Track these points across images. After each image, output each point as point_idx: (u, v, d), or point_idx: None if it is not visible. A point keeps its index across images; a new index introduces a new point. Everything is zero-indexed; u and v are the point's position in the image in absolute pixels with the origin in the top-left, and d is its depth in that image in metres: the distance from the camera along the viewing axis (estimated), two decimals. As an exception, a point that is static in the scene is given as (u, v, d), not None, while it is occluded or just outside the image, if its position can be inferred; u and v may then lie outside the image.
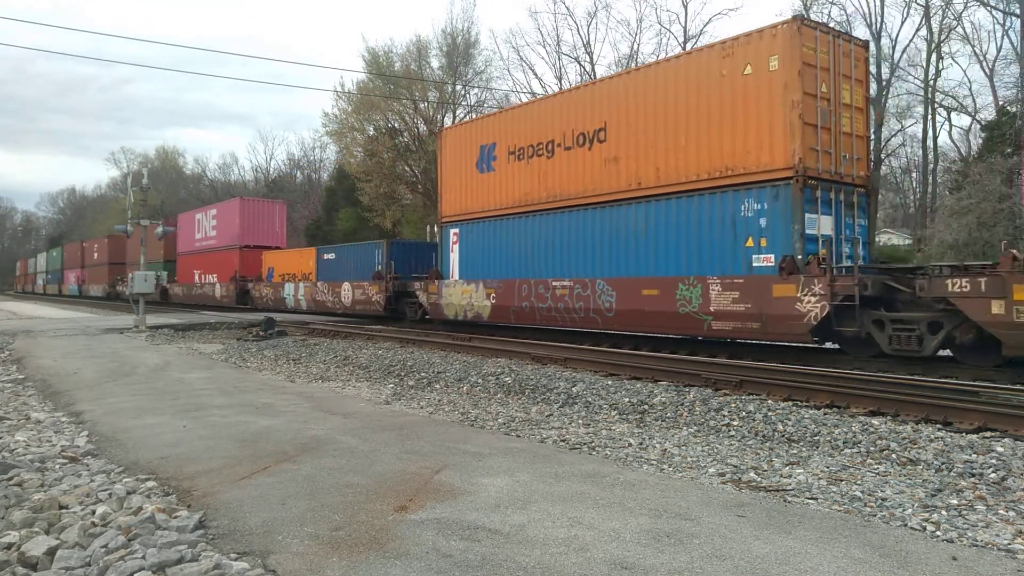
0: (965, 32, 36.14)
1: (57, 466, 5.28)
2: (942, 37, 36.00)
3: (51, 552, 3.51)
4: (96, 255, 50.52)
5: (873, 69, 37.17)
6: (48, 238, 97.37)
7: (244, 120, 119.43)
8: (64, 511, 4.20)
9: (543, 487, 4.61)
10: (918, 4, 35.26)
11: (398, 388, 10.03)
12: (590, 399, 8.61)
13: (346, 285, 24.02)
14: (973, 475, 5.27)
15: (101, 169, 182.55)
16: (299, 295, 26.69)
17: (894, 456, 5.86)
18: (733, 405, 7.81)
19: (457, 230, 18.81)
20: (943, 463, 5.56)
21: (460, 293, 18.20)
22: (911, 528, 4.13)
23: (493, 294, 17.11)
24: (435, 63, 43.41)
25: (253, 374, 11.17)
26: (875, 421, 6.91)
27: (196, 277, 35.73)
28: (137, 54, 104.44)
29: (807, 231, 11.25)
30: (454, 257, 18.81)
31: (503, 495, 4.42)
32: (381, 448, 5.67)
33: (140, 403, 7.95)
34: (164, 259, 38.42)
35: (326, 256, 26.20)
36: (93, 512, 4.13)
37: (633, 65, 36.81)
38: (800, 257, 11.11)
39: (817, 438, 6.51)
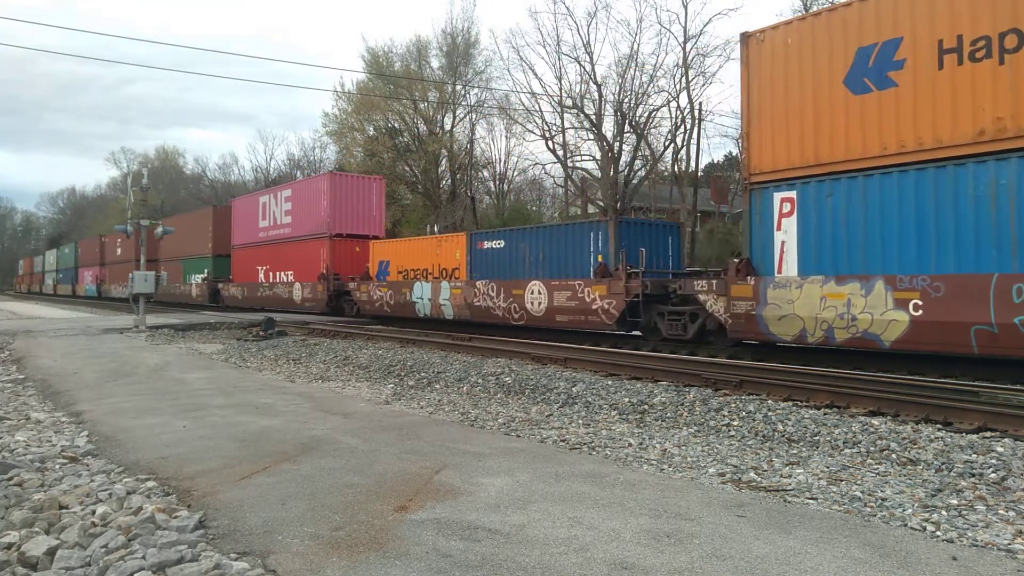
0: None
1: (57, 466, 5.28)
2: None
3: (51, 552, 3.51)
4: (120, 251, 44.62)
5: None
6: (48, 238, 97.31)
7: (247, 120, 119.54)
8: (64, 511, 4.20)
9: (543, 487, 4.61)
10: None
11: (398, 388, 10.03)
12: (590, 399, 8.61)
13: (536, 286, 16.60)
14: (973, 475, 5.27)
15: (102, 169, 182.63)
16: (442, 299, 19.55)
17: (894, 456, 5.86)
18: (733, 405, 7.82)
19: (792, 194, 11.34)
20: (943, 463, 5.56)
21: (815, 300, 10.76)
22: (911, 528, 4.13)
23: (919, 302, 9.61)
24: (435, 63, 43.43)
25: (253, 374, 11.17)
26: (875, 421, 6.91)
27: (261, 275, 28.59)
28: (140, 54, 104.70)
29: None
30: (785, 240, 11.35)
31: (503, 495, 4.42)
32: (381, 448, 5.67)
33: (140, 403, 7.95)
34: (214, 253, 32.19)
35: (486, 244, 18.54)
36: (93, 512, 4.13)
37: (632, 66, 36.82)
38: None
39: (817, 438, 6.51)
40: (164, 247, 36.30)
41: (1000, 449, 5.80)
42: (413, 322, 21.14)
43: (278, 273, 27.41)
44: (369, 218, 25.53)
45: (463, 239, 19.53)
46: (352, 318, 23.40)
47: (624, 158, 38.65)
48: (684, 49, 35.42)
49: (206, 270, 33.06)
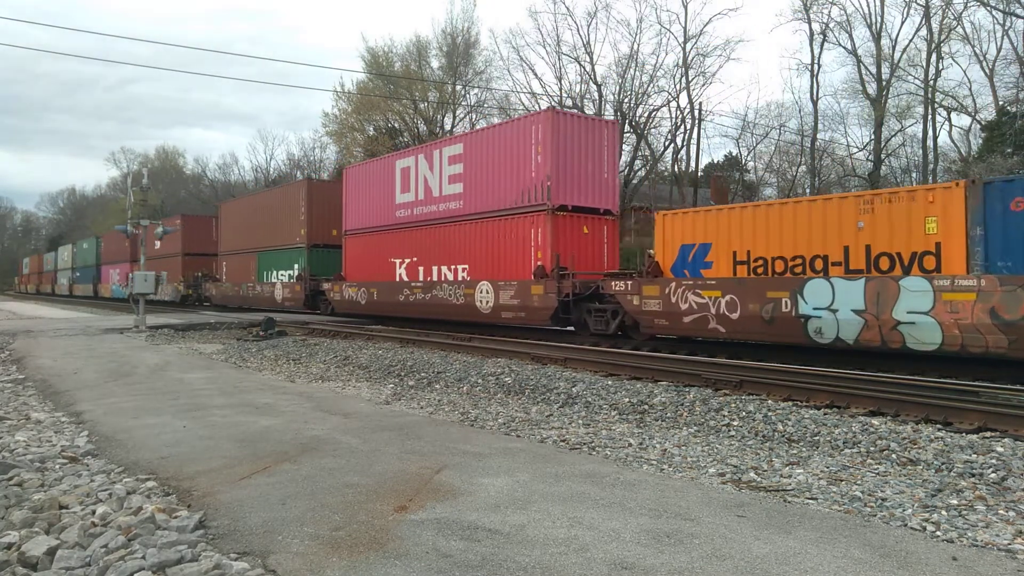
0: (965, 32, 36.14)
1: (57, 466, 5.28)
2: (942, 37, 36.01)
3: (51, 552, 3.51)
4: (158, 244, 37.82)
5: (873, 69, 37.21)
6: (48, 238, 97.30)
7: (249, 120, 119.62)
8: (64, 511, 4.19)
9: (543, 487, 4.61)
10: (918, 4, 35.26)
11: (398, 388, 10.03)
12: (590, 399, 8.61)
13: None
14: (973, 475, 5.27)
15: (102, 169, 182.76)
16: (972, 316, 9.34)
17: (894, 456, 5.86)
18: (733, 405, 7.82)
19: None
20: (943, 463, 5.56)
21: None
22: (911, 528, 4.13)
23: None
24: (435, 63, 43.47)
25: (253, 374, 11.17)
26: (875, 421, 6.91)
27: (401, 271, 20.47)
28: (142, 54, 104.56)
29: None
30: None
31: (503, 495, 4.42)
32: (381, 448, 5.67)
33: (140, 403, 7.95)
34: (309, 243, 24.68)
35: None
36: (93, 512, 4.13)
37: (632, 66, 36.76)
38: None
39: (817, 438, 6.51)
40: (225, 237, 31.41)
41: (1000, 449, 5.80)
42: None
43: (438, 268, 18.97)
44: (599, 183, 16.26)
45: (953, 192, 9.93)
46: (646, 351, 12.88)
47: (624, 158, 38.67)
48: (684, 49, 35.47)
49: (297, 265, 25.24)
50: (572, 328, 15.85)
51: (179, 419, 6.94)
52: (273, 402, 8.01)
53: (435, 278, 19.19)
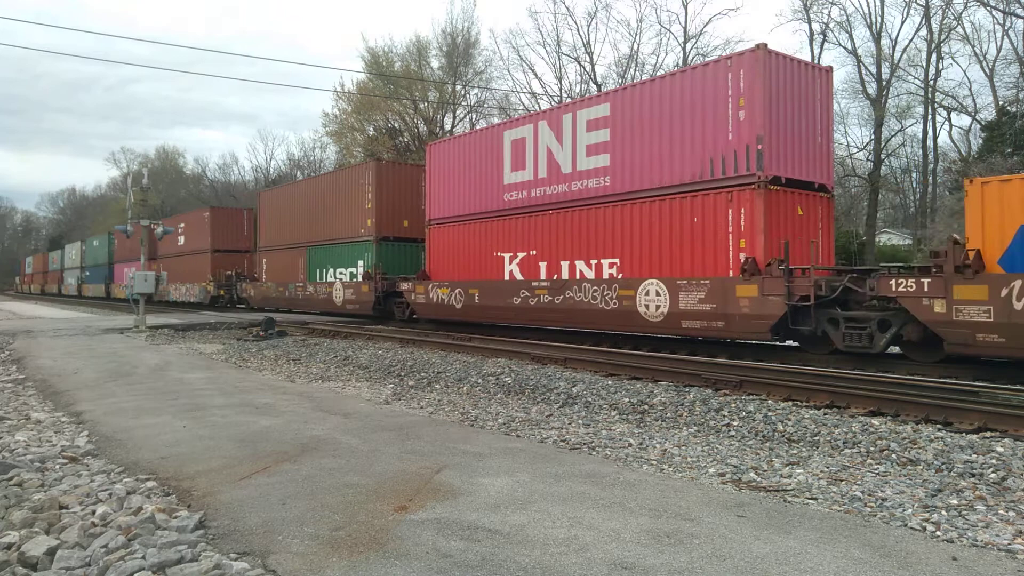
0: (965, 32, 36.13)
1: (57, 466, 5.28)
2: (942, 37, 36.00)
3: (51, 552, 3.51)
4: (183, 239, 34.97)
5: (873, 69, 37.21)
6: (48, 238, 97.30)
7: (249, 120, 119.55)
8: (64, 511, 4.20)
9: (543, 487, 4.61)
10: (918, 4, 35.22)
11: (398, 388, 10.03)
12: (590, 399, 8.61)
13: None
14: (973, 475, 5.27)
15: (102, 169, 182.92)
16: None
17: (894, 456, 5.86)
18: (733, 405, 7.81)
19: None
20: (943, 463, 5.55)
21: None
22: (911, 528, 4.13)
23: None
24: (435, 63, 43.47)
25: (253, 374, 11.17)
26: (875, 421, 6.91)
27: (512, 267, 16.41)
28: (143, 54, 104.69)
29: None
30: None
31: (503, 495, 4.42)
32: (381, 448, 5.67)
33: (140, 403, 7.95)
34: (378, 235, 20.81)
35: None
36: (93, 512, 4.13)
37: (632, 66, 36.72)
38: None
39: (817, 438, 6.51)
40: (266, 230, 27.65)
41: (1000, 449, 5.80)
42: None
43: (570, 264, 14.94)
44: (813, 149, 12.69)
45: None
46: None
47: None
48: (684, 49, 35.46)
49: (362, 262, 21.34)
50: (797, 343, 11.97)
51: (179, 419, 6.94)
52: (273, 402, 8.01)
53: (566, 276, 14.89)
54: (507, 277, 16.48)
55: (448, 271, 18.46)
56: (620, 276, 13.74)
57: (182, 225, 35.47)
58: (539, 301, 15.26)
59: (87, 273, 49.58)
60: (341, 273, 22.59)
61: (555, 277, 15.18)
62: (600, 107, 14.52)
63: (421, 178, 20.98)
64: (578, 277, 14.67)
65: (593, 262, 14.47)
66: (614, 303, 13.57)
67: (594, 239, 14.44)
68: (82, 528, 3.82)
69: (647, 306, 12.90)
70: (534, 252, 15.88)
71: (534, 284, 15.48)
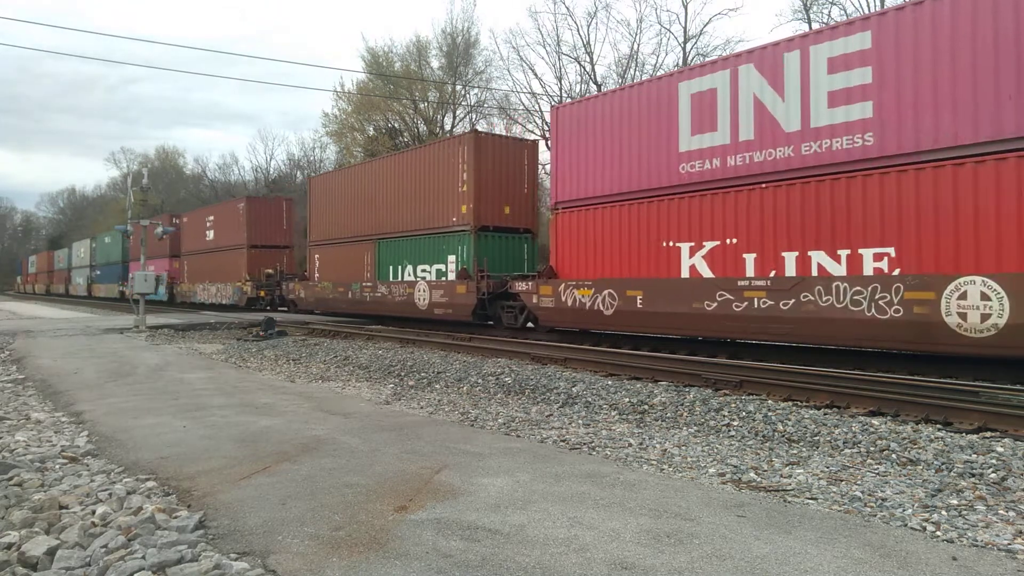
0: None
1: (57, 466, 5.28)
2: (942, 37, 35.91)
3: (51, 552, 3.51)
4: (213, 233, 31.69)
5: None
6: (48, 238, 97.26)
7: (251, 120, 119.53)
8: (64, 511, 4.20)
9: (543, 487, 4.61)
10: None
11: (398, 388, 10.03)
12: (590, 399, 8.61)
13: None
14: (973, 475, 5.27)
15: (102, 169, 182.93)
16: None
17: (894, 456, 5.86)
18: (733, 405, 7.82)
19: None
20: (943, 463, 5.56)
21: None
22: (911, 528, 4.13)
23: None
24: (435, 63, 43.48)
25: (253, 374, 11.17)
26: (875, 421, 6.91)
27: (692, 261, 12.79)
28: (144, 54, 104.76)
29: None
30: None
31: (503, 495, 4.42)
32: (381, 448, 5.67)
33: (140, 403, 7.95)
34: (476, 225, 17.53)
35: None
36: (93, 512, 4.13)
37: (632, 66, 36.72)
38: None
39: (817, 438, 6.51)
40: (320, 221, 24.21)
41: (1000, 449, 5.80)
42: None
43: (799, 257, 11.19)
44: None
45: None
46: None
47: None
48: (684, 49, 35.45)
49: (454, 257, 17.97)
50: None
51: (179, 419, 6.94)
52: (273, 402, 8.01)
53: (792, 272, 11.16)
54: (686, 274, 12.78)
55: (586, 267, 14.82)
56: (900, 273, 9.93)
57: (211, 218, 32.21)
58: (751, 307, 11.43)
59: (98, 272, 45.85)
60: (424, 271, 18.91)
61: (773, 274, 11.38)
62: (855, 38, 10.63)
63: (523, 155, 18.18)
64: (817, 274, 10.87)
65: (843, 253, 10.62)
66: (896, 311, 9.72)
67: (846, 221, 10.60)
68: (82, 528, 3.82)
69: (963, 315, 9.10)
70: (734, 241, 12.08)
71: (741, 284, 11.64)
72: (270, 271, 28.41)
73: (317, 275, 24.46)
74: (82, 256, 50.29)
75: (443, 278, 18.31)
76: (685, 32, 35.33)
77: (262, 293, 28.00)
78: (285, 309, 27.16)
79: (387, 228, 20.82)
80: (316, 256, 24.66)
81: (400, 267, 20.19)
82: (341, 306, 22.65)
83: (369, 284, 21.17)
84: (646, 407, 8.06)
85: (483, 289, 16.69)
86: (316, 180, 26.04)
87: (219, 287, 30.97)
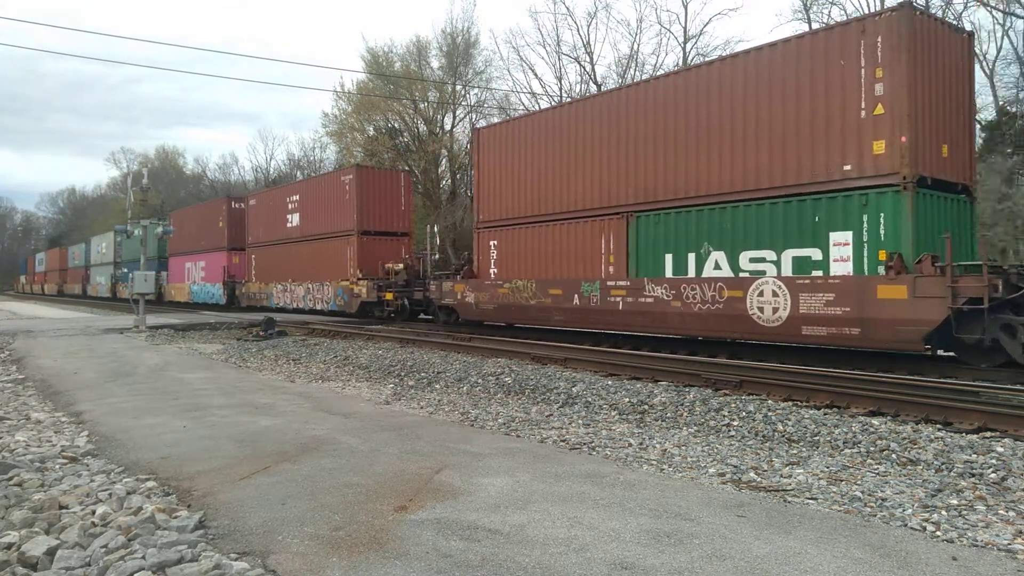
0: (967, 31, 36.05)
1: (57, 466, 5.28)
2: (944, 36, 35.88)
3: (51, 552, 3.51)
4: (298, 218, 24.76)
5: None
6: (48, 238, 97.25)
7: (252, 120, 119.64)
8: (64, 511, 4.20)
9: (543, 487, 4.61)
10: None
11: (398, 388, 10.03)
12: (590, 399, 8.61)
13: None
14: (973, 475, 5.27)
15: (102, 169, 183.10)
16: None
17: (894, 456, 5.86)
18: (733, 405, 7.81)
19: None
20: (943, 463, 5.55)
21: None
22: (911, 528, 4.13)
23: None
24: (435, 63, 43.47)
25: (253, 374, 11.17)
26: (875, 421, 6.91)
27: None
28: (145, 54, 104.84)
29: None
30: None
31: (503, 495, 4.42)
32: (381, 448, 5.67)
33: (140, 403, 7.95)
34: (912, 175, 9.90)
35: None
36: (93, 512, 4.13)
37: (632, 66, 36.63)
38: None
39: (817, 438, 6.51)
40: (495, 193, 17.45)
41: (1000, 449, 5.80)
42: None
43: None
44: None
45: None
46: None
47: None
48: (684, 49, 35.45)
49: (851, 233, 10.62)
50: None
51: (179, 419, 6.94)
52: (273, 402, 8.01)
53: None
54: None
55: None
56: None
57: (294, 198, 25.14)
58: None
59: (125, 270, 37.31)
60: (763, 261, 11.75)
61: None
62: None
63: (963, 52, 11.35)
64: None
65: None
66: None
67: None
68: (82, 528, 3.82)
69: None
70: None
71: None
72: (398, 265, 20.95)
73: (495, 271, 16.94)
74: (104, 252, 42.49)
75: (819, 273, 10.96)
76: (685, 32, 35.33)
77: (388, 296, 20.64)
78: (430, 319, 20.04)
79: (662, 194, 13.48)
80: (492, 242, 17.25)
81: (695, 256, 12.90)
82: (554, 317, 15.53)
83: (622, 285, 13.93)
84: (646, 407, 8.05)
85: (958, 292, 9.30)
86: (488, 132, 17.98)
87: (312, 288, 23.81)
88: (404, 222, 23.32)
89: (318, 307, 23.76)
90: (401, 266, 21.24)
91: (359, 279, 21.61)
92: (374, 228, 22.47)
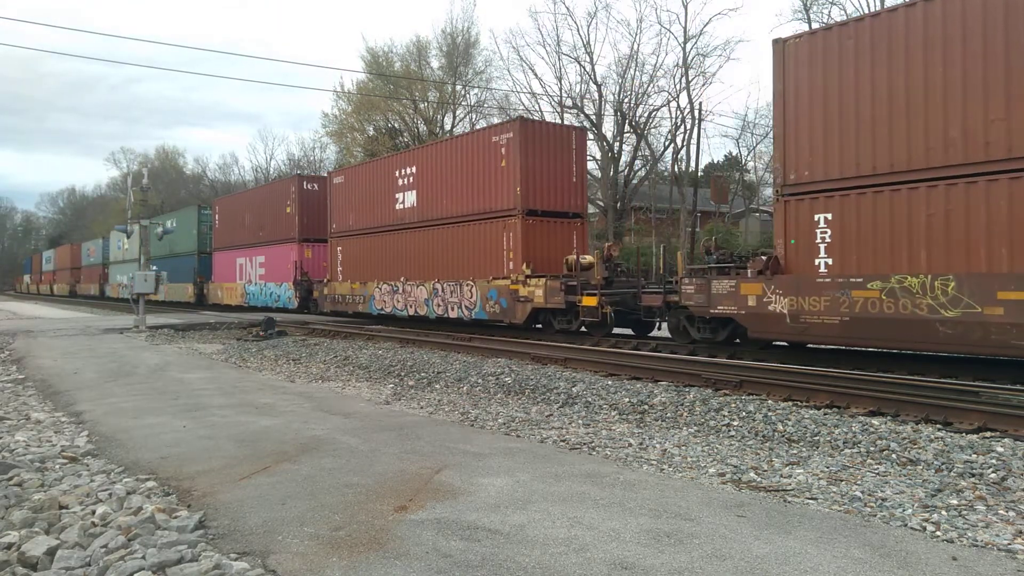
0: (967, 32, 35.98)
1: (57, 466, 5.28)
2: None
3: (51, 552, 3.51)
4: (415, 196, 18.83)
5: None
6: (48, 238, 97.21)
7: (253, 120, 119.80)
8: (64, 511, 4.20)
9: (543, 487, 4.61)
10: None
11: (398, 388, 10.03)
12: (590, 399, 8.61)
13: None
14: (973, 475, 5.27)
15: (102, 169, 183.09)
16: None
17: (894, 456, 5.86)
18: (733, 405, 7.81)
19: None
20: (943, 463, 5.55)
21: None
22: (911, 528, 4.13)
23: None
24: (435, 63, 43.49)
25: (253, 374, 11.17)
26: (875, 421, 6.91)
27: None
28: (148, 54, 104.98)
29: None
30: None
31: (503, 495, 4.42)
32: (381, 448, 5.67)
33: (140, 403, 7.95)
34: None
35: None
36: (93, 512, 4.13)
37: (632, 66, 36.63)
38: None
39: (817, 438, 6.51)
40: (819, 140, 10.37)
41: (1000, 449, 5.80)
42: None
43: None
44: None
45: None
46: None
47: (624, 158, 38.71)
48: (684, 49, 35.44)
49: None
50: None
51: (179, 419, 6.94)
52: (273, 402, 8.01)
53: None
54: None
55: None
56: None
57: (408, 171, 19.01)
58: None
59: (153, 268, 29.89)
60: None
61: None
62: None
63: None
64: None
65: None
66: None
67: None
68: (82, 528, 3.82)
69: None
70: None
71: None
72: (586, 257, 15.52)
73: (827, 261, 10.46)
74: (127, 248, 37.11)
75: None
76: (685, 32, 35.31)
77: (589, 301, 14.14)
78: (668, 337, 13.71)
79: None
80: (824, 216, 10.57)
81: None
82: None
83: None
84: (646, 407, 8.05)
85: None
86: (796, 45, 11.01)
87: (443, 289, 17.70)
88: (579, 199, 16.88)
89: (452, 314, 17.50)
90: (591, 259, 15.04)
91: (528, 277, 15.54)
92: (543, 207, 16.18)
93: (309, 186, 24.27)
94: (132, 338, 17.26)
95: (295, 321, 21.16)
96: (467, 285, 17.22)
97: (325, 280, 22.51)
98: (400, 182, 19.70)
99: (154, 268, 28.95)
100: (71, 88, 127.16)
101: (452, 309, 17.63)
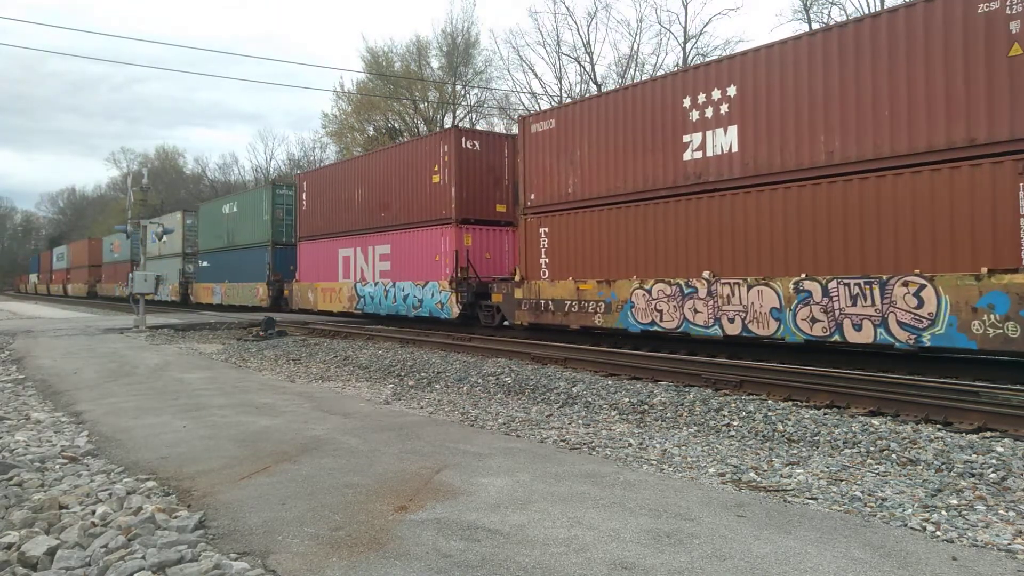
0: (966, 32, 35.93)
1: (57, 466, 5.28)
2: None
3: (51, 552, 3.51)
4: (736, 134, 10.31)
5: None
6: (48, 238, 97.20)
7: (255, 120, 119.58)
8: (64, 511, 4.20)
9: (543, 487, 4.61)
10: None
11: (398, 388, 10.03)
12: (590, 399, 8.61)
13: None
14: (973, 475, 5.27)
15: (102, 169, 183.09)
16: None
17: (894, 456, 5.86)
18: (733, 405, 7.81)
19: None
20: (943, 463, 5.55)
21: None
22: (911, 528, 4.13)
23: None
24: (435, 63, 43.50)
25: (253, 374, 11.17)
26: (875, 421, 6.91)
27: None
28: (148, 54, 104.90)
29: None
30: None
31: (503, 495, 4.42)
32: (381, 448, 5.67)
33: (140, 403, 7.95)
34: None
35: None
36: (93, 512, 4.13)
37: (632, 66, 36.61)
38: None
39: (817, 438, 6.51)
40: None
41: (1000, 449, 5.80)
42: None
43: None
44: None
45: None
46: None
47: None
48: (684, 49, 35.45)
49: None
50: None
51: (179, 419, 6.94)
52: (273, 402, 8.01)
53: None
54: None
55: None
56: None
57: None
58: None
59: (205, 264, 28.15)
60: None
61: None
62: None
63: None
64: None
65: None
66: None
67: None
68: (82, 528, 3.82)
69: None
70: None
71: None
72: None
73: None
74: (169, 243, 30.62)
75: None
76: (685, 32, 35.34)
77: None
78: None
79: None
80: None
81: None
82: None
83: None
84: (646, 407, 8.05)
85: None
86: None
87: (846, 294, 9.89)
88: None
89: (859, 338, 9.89)
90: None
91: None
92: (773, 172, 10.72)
93: (469, 144, 17.37)
94: (132, 338, 17.26)
95: (295, 321, 21.19)
96: (895, 285, 9.39)
97: (516, 279, 15.83)
98: (696, 114, 11.71)
99: (205, 264, 28.69)
100: (73, 88, 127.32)
101: (861, 328, 9.77)
